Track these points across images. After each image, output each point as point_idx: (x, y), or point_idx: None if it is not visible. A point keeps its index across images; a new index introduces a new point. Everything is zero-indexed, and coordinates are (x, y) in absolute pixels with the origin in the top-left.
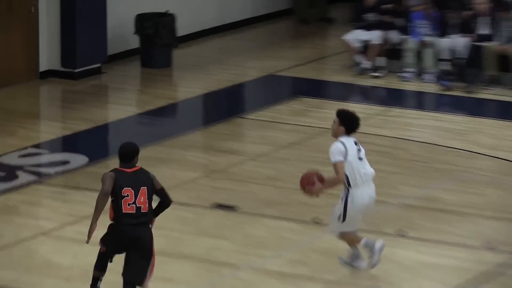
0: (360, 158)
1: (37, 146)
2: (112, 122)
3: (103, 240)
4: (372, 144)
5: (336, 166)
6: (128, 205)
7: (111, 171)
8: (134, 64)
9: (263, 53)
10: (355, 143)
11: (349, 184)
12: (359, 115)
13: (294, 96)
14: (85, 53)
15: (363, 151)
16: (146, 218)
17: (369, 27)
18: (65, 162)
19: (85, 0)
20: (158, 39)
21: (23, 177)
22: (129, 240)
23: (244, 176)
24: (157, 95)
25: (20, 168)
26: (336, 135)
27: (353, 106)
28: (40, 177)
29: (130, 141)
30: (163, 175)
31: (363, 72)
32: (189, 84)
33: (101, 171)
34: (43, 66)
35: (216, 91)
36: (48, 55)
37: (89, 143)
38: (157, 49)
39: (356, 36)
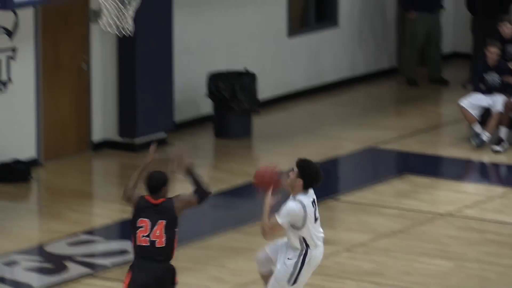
0: (316, 219)
1: (89, 232)
2: None
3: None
4: (491, 233)
5: (274, 225)
6: (142, 237)
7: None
8: (206, 133)
9: (362, 122)
10: (313, 203)
11: (306, 245)
12: (476, 197)
13: (399, 174)
14: (147, 120)
15: (318, 209)
16: (160, 255)
17: (490, 90)
18: (122, 252)
19: (148, 56)
20: (235, 103)
21: (73, 269)
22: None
23: (338, 270)
24: (234, 172)
25: (70, 258)
26: (293, 189)
27: (469, 187)
28: (94, 269)
29: (160, 170)
30: (241, 269)
31: (482, 145)
32: (272, 158)
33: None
34: (97, 136)
35: None
36: (103, 122)
37: None
38: (234, 116)
39: (474, 102)
